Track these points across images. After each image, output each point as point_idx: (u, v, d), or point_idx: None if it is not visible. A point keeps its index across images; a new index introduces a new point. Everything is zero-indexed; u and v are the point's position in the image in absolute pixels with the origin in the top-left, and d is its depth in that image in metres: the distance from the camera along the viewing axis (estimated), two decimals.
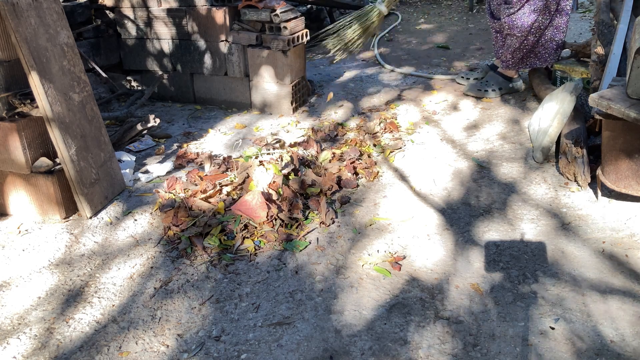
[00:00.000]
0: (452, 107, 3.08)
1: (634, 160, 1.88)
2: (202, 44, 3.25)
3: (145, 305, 1.71)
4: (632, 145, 1.86)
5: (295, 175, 2.27)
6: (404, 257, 1.87)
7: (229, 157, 2.56)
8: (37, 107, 2.01)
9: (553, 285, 1.70)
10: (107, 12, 3.45)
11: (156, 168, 2.53)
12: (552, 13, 2.88)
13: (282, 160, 2.32)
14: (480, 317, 1.59)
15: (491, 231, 1.99)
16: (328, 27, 3.48)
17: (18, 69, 2.01)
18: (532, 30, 2.88)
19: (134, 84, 3.60)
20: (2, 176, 2.16)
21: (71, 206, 2.17)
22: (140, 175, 2.48)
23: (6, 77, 2.03)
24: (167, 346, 1.55)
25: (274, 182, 2.15)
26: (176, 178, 2.36)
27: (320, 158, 2.49)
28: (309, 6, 4.95)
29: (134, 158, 2.59)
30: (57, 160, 2.12)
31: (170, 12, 3.25)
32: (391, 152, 2.62)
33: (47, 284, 1.82)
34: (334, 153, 2.53)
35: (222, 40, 3.18)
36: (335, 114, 3.15)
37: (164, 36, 3.33)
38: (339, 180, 2.33)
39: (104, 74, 3.31)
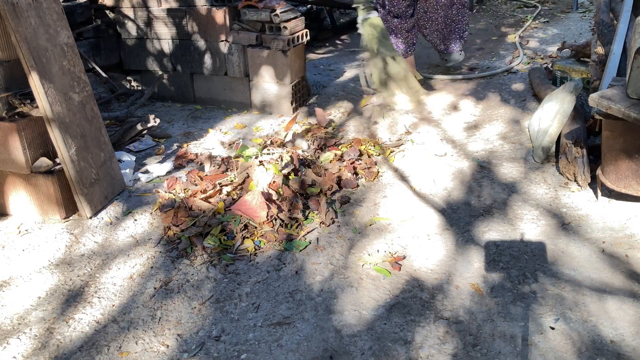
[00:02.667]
0: (452, 107, 3.08)
1: (634, 160, 1.88)
2: (202, 44, 3.25)
3: (145, 305, 1.71)
4: (632, 145, 1.86)
5: (295, 175, 2.27)
6: (404, 257, 1.87)
7: (229, 157, 2.56)
8: (37, 107, 2.01)
9: (553, 285, 1.70)
10: (107, 12, 3.45)
11: (156, 168, 2.53)
12: None
13: (282, 160, 2.32)
14: (480, 317, 1.59)
15: (491, 231, 1.99)
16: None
17: (18, 69, 2.01)
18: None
19: (134, 84, 3.60)
20: (2, 176, 2.16)
21: (71, 206, 2.17)
22: (140, 175, 2.48)
23: (6, 77, 2.03)
24: (167, 346, 1.55)
25: (274, 182, 2.15)
26: (176, 178, 2.36)
27: (321, 158, 2.50)
28: (309, 6, 4.95)
29: (134, 158, 2.59)
30: (57, 160, 2.12)
31: (170, 12, 3.25)
32: (391, 152, 2.62)
33: (47, 284, 1.82)
34: (334, 153, 2.53)
35: (222, 40, 3.18)
36: (336, 113, 3.15)
37: (164, 36, 3.33)
38: (339, 180, 2.33)
39: (104, 74, 3.31)
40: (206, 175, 2.39)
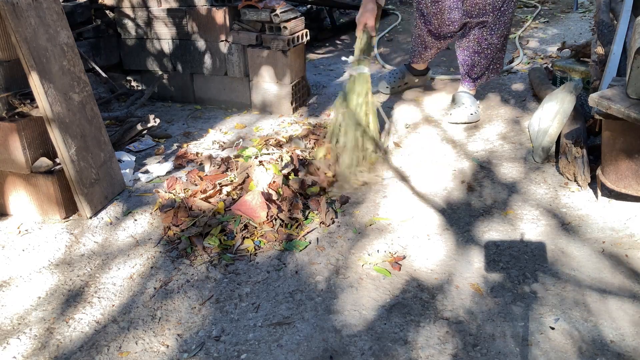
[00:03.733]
0: None
1: (634, 160, 1.88)
2: (202, 44, 3.25)
3: (145, 305, 1.71)
4: (632, 145, 1.86)
5: (295, 175, 2.27)
6: (404, 257, 1.87)
7: (229, 157, 2.56)
8: (37, 107, 2.01)
9: (553, 285, 1.70)
10: (107, 12, 3.45)
11: (156, 168, 2.53)
12: None
13: (282, 160, 2.32)
14: (480, 317, 1.59)
15: (491, 231, 1.99)
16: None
17: (18, 69, 2.01)
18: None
19: (134, 84, 3.60)
20: (2, 176, 2.16)
21: (71, 206, 2.17)
22: (140, 175, 2.48)
23: (6, 77, 2.03)
24: (167, 346, 1.55)
25: (274, 182, 2.15)
26: (176, 178, 2.36)
27: (317, 155, 2.46)
28: (309, 6, 4.95)
29: (134, 158, 2.59)
30: (57, 160, 2.12)
31: (170, 12, 3.25)
32: (391, 152, 2.62)
33: (47, 284, 1.82)
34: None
35: (222, 40, 3.18)
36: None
37: (164, 36, 3.33)
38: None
39: (104, 74, 3.31)
40: (206, 175, 2.39)
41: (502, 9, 2.66)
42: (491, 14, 2.65)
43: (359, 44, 2.52)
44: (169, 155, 2.71)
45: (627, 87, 1.79)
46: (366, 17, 2.46)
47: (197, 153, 2.69)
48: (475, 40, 2.77)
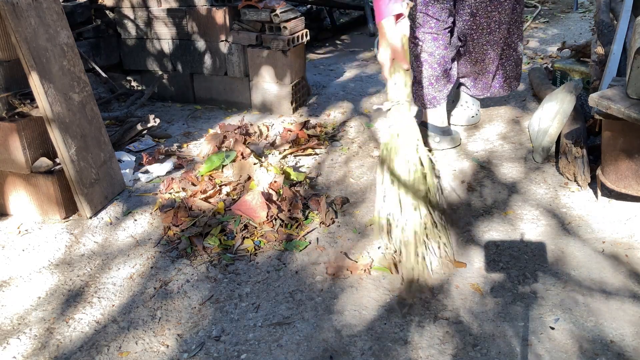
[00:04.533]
0: None
1: (634, 160, 1.88)
2: (202, 44, 3.25)
3: (145, 305, 1.71)
4: (632, 145, 1.86)
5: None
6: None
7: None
8: (37, 107, 2.01)
9: (553, 285, 1.70)
10: (107, 12, 3.45)
11: (156, 168, 2.53)
12: None
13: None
14: (480, 317, 1.59)
15: (491, 231, 1.99)
16: None
17: (18, 69, 2.01)
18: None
19: (134, 84, 3.60)
20: (2, 176, 2.16)
21: (71, 206, 2.17)
22: (140, 175, 2.48)
23: (6, 77, 2.03)
24: (167, 346, 1.55)
25: (275, 182, 2.15)
26: (172, 178, 2.36)
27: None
28: (309, 6, 4.95)
29: (134, 158, 2.59)
30: (57, 160, 2.12)
31: (170, 12, 3.25)
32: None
33: (47, 284, 1.82)
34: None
35: (222, 40, 3.18)
36: (336, 114, 3.15)
37: (164, 36, 3.33)
38: None
39: (104, 74, 3.31)
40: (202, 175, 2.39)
41: (512, 26, 2.40)
42: (497, 31, 2.35)
43: (392, 86, 1.80)
44: (169, 155, 2.70)
45: (627, 87, 1.79)
46: (394, 48, 1.73)
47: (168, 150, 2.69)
48: (481, 53, 2.46)
